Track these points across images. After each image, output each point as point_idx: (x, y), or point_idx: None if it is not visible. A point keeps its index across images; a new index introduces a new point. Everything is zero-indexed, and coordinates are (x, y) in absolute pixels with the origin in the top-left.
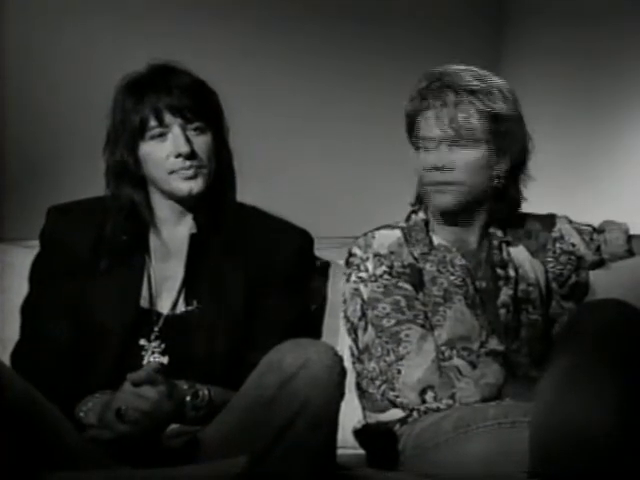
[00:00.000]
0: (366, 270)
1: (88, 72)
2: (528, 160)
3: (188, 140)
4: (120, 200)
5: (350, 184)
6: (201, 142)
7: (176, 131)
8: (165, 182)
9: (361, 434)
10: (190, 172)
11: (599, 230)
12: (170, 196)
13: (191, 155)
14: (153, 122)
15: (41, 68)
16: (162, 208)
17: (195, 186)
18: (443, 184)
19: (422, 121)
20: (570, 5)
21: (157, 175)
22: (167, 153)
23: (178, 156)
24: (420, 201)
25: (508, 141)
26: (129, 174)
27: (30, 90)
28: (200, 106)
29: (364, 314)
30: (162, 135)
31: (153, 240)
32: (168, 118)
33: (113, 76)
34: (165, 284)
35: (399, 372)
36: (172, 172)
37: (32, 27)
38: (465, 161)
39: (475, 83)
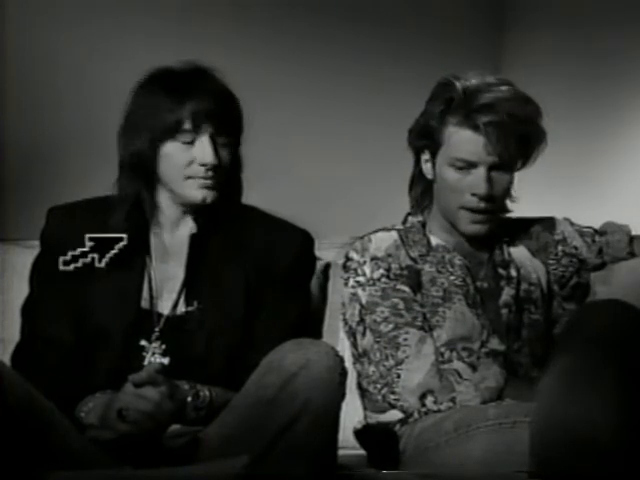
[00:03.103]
0: (364, 274)
1: (88, 73)
2: None
3: (216, 151)
4: (127, 192)
5: (351, 184)
6: (225, 154)
7: (205, 140)
8: (179, 186)
9: (362, 434)
10: (208, 182)
11: (601, 232)
12: (179, 199)
13: (215, 166)
14: (188, 126)
15: (41, 69)
16: (167, 209)
17: (209, 195)
18: (482, 212)
19: (458, 140)
20: (571, 5)
21: (173, 177)
22: (191, 159)
23: (202, 165)
24: (417, 202)
25: (530, 160)
26: (144, 169)
27: (30, 91)
28: (232, 118)
29: (362, 319)
30: (192, 141)
31: (154, 241)
32: (204, 126)
33: (113, 77)
34: (166, 285)
35: (399, 376)
36: (190, 178)
37: (32, 27)
38: (503, 188)
39: (522, 109)
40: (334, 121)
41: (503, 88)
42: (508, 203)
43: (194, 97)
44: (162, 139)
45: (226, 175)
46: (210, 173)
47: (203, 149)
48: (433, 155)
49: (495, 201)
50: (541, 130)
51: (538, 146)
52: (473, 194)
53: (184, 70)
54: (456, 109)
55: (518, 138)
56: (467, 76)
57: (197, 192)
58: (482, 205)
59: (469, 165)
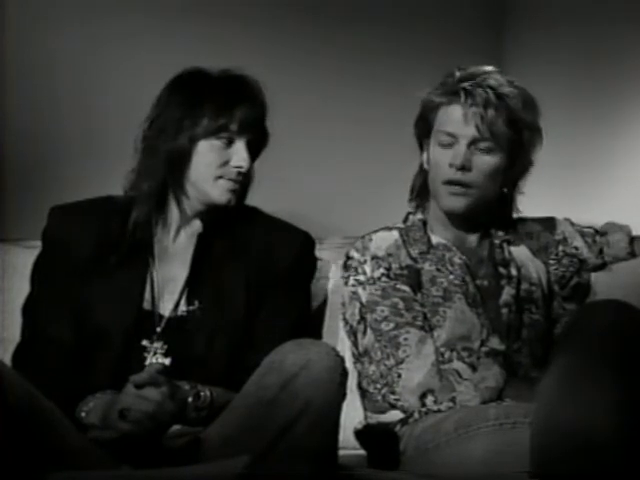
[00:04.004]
0: (364, 273)
1: (89, 74)
2: (530, 169)
3: (251, 157)
4: (151, 189)
5: (351, 185)
6: (252, 159)
7: (242, 144)
8: (208, 185)
9: (362, 435)
10: (237, 185)
11: (601, 232)
12: (203, 198)
13: (245, 171)
14: (234, 128)
15: (41, 70)
16: (177, 209)
17: (233, 199)
18: (458, 184)
19: (444, 115)
20: (571, 5)
21: (204, 175)
22: (226, 159)
23: (236, 167)
24: (417, 195)
25: (524, 151)
26: (178, 165)
27: (31, 91)
28: (265, 131)
29: (363, 318)
30: (230, 143)
31: (157, 241)
32: (246, 132)
33: (114, 77)
34: (167, 285)
35: (399, 376)
36: (220, 178)
37: (32, 28)
38: (483, 165)
39: (507, 89)
40: (335, 122)
41: (496, 71)
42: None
43: (245, 104)
44: (203, 137)
45: (246, 180)
46: (240, 177)
47: (240, 153)
48: (428, 141)
49: (472, 175)
50: (534, 124)
51: (531, 140)
52: (451, 165)
53: (232, 75)
54: (448, 90)
55: (506, 122)
56: (468, 67)
57: (224, 194)
58: (458, 176)
59: (452, 139)
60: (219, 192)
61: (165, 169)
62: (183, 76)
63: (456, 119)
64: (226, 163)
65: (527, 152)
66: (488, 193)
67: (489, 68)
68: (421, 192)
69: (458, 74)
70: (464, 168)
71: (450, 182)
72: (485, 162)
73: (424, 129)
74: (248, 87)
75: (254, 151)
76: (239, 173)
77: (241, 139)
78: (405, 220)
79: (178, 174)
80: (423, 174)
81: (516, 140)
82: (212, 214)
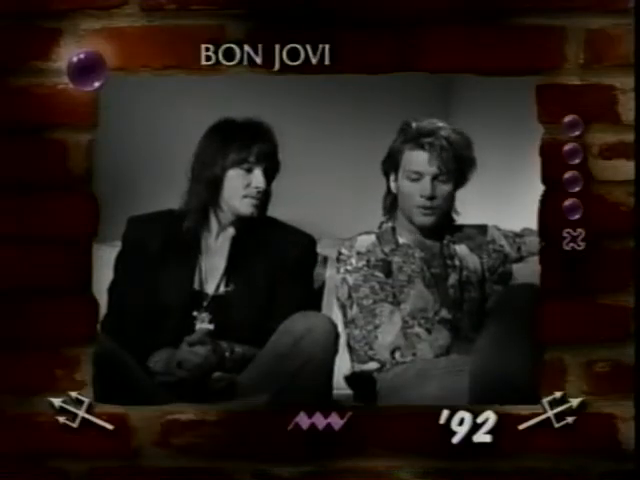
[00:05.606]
0: (351, 264)
1: (158, 126)
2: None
3: (267, 181)
4: (197, 205)
5: (347, 192)
6: (267, 183)
7: (259, 171)
8: (237, 202)
9: (350, 379)
10: (257, 201)
11: (520, 235)
12: (234, 211)
13: (263, 190)
14: (252, 159)
15: (129, 122)
16: (216, 219)
17: (255, 211)
18: (428, 208)
19: (410, 158)
20: None
21: (233, 195)
22: (248, 183)
23: (256, 188)
24: (388, 211)
25: (463, 174)
26: (214, 188)
27: (117, 134)
28: (277, 160)
29: (350, 296)
30: (250, 170)
31: (203, 242)
32: (261, 162)
33: (175, 128)
34: (210, 273)
35: (376, 337)
36: (245, 197)
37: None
38: (443, 191)
39: (454, 136)
40: (335, 123)
41: (444, 124)
42: (455, 216)
43: (260, 142)
44: (230, 167)
45: (265, 197)
46: (259, 195)
47: (257, 177)
48: (396, 175)
49: (437, 201)
50: (470, 156)
51: (469, 167)
52: (421, 196)
53: (252, 122)
54: (410, 139)
55: (454, 159)
56: (421, 120)
57: (249, 208)
58: (428, 203)
59: (418, 175)
60: (245, 207)
61: (206, 191)
62: (217, 124)
63: (422, 162)
64: (248, 185)
65: (465, 174)
66: (445, 209)
67: (441, 123)
68: (391, 208)
69: (415, 125)
70: (431, 197)
71: (422, 207)
72: (444, 190)
73: (391, 166)
74: (263, 130)
75: (269, 176)
76: (258, 192)
77: (258, 167)
78: (380, 227)
79: (215, 194)
80: (391, 196)
81: (459, 169)
82: (241, 223)
